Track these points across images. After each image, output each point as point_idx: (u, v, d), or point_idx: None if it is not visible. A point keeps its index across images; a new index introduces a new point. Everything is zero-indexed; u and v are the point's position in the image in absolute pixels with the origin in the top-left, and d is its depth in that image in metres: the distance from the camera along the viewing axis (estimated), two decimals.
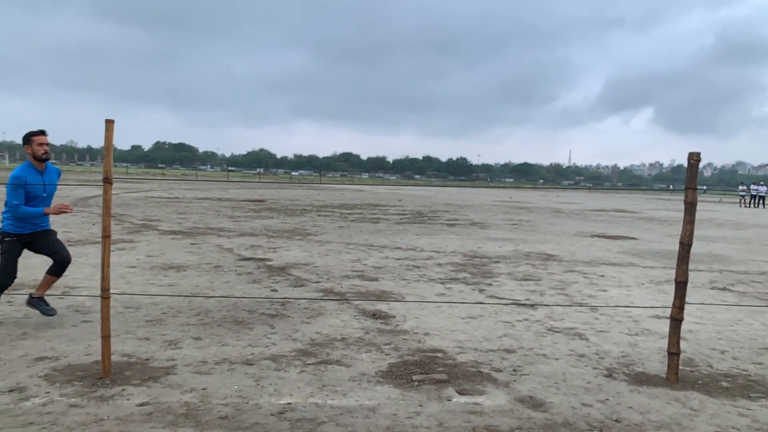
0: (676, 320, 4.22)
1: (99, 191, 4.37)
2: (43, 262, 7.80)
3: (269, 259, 8.77)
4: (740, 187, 46.35)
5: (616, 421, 3.44)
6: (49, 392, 3.54)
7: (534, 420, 3.41)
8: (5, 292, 5.04)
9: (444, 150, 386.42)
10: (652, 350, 4.86)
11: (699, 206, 5.39)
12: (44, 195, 5.00)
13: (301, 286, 6.95)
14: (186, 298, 6.05)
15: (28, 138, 4.92)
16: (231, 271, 7.76)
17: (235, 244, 10.39)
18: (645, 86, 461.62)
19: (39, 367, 3.95)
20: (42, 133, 4.95)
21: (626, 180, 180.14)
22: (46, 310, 4.98)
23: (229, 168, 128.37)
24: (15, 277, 4.96)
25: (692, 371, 4.38)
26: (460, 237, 12.91)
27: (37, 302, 5.02)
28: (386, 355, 4.48)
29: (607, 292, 7.30)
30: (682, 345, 4.40)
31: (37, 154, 4.89)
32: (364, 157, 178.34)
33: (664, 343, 4.44)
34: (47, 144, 4.96)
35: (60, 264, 5.10)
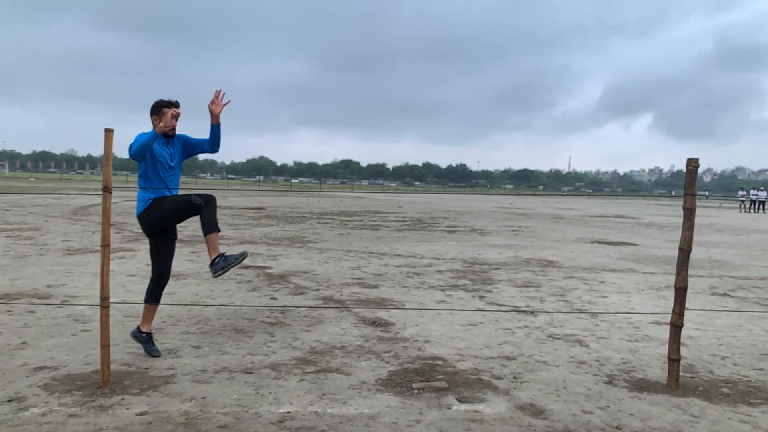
0: (677, 326, 4.21)
1: (99, 200, 4.39)
2: (44, 272, 7.82)
3: (269, 267, 8.76)
4: (740, 193, 46.41)
5: (616, 428, 3.43)
6: (48, 402, 3.53)
7: (534, 427, 3.40)
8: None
9: (444, 157, 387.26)
10: (653, 356, 4.85)
11: (699, 211, 5.40)
12: (172, 164, 4.52)
13: (301, 294, 6.95)
14: (185, 307, 6.05)
15: (158, 108, 4.33)
16: (230, 279, 7.76)
17: (235, 251, 10.38)
18: (644, 92, 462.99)
19: (38, 377, 3.94)
20: (176, 104, 4.40)
21: (626, 186, 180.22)
22: (152, 350, 4.44)
23: (229, 176, 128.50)
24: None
25: (693, 377, 4.37)
26: (460, 244, 12.90)
27: (145, 337, 4.49)
28: (386, 363, 4.47)
29: (608, 298, 7.29)
30: (683, 351, 4.39)
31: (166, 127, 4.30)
32: (364, 164, 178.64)
33: (665, 350, 4.43)
34: (177, 119, 4.42)
35: (164, 281, 4.68)
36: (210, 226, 4.50)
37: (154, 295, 4.65)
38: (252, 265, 8.95)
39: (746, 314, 6.58)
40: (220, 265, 4.46)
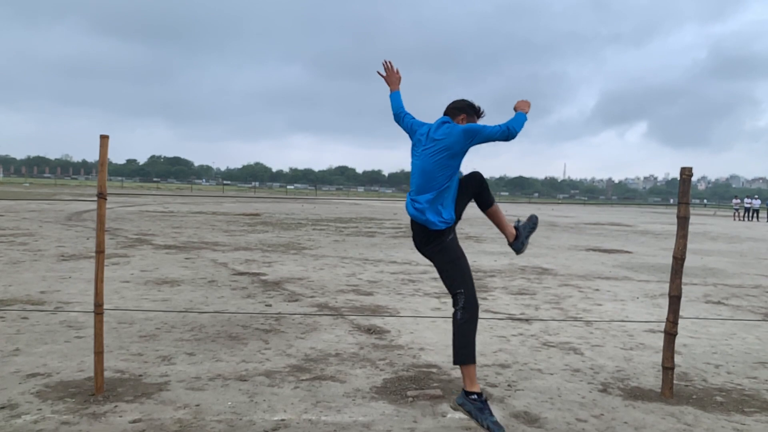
0: (671, 334, 4.22)
1: (93, 205, 4.36)
2: (38, 277, 7.80)
3: (264, 274, 8.75)
4: (734, 201, 46.63)
5: None
6: (41, 409, 3.51)
7: None
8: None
9: None
10: (647, 365, 4.86)
11: (693, 219, 5.43)
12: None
13: (296, 300, 6.93)
14: (180, 314, 6.03)
15: (474, 113, 3.85)
16: (225, 285, 7.74)
17: (229, 258, 10.37)
18: (639, 100, 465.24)
19: (31, 384, 3.92)
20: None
21: (621, 193, 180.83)
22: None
23: (225, 182, 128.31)
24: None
25: (687, 386, 4.38)
26: None
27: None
28: (381, 370, 4.47)
29: (602, 306, 7.30)
30: (677, 359, 4.41)
31: None
32: (359, 170, 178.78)
33: (659, 358, 4.44)
34: None
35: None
36: (462, 356, 3.41)
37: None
38: (247, 271, 8.93)
39: (740, 322, 6.60)
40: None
